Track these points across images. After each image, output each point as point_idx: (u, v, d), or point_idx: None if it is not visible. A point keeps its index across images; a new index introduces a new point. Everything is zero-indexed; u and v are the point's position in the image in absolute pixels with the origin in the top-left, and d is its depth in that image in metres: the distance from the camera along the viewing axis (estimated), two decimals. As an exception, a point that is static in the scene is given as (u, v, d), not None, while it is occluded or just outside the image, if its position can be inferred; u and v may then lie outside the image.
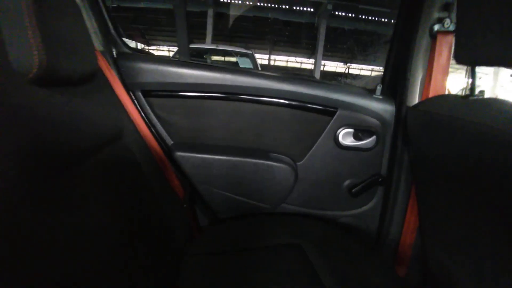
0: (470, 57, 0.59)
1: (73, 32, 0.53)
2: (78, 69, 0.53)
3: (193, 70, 0.89)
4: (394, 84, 0.95)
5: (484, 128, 0.53)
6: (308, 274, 0.68)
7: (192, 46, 4.50)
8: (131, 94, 0.88)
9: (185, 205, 0.88)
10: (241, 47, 5.35)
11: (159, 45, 16.77)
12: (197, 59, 4.13)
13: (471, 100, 0.65)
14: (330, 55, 15.56)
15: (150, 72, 0.88)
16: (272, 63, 17.90)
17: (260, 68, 4.69)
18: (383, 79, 1.00)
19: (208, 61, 4.58)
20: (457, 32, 0.64)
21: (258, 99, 0.92)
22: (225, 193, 0.96)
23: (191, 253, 0.77)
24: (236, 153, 0.94)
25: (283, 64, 19.02)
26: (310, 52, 15.56)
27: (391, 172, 0.96)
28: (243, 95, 0.92)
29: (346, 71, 17.22)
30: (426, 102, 0.81)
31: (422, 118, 0.75)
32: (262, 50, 16.55)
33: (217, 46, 4.69)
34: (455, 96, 0.76)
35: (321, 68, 13.15)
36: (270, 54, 16.78)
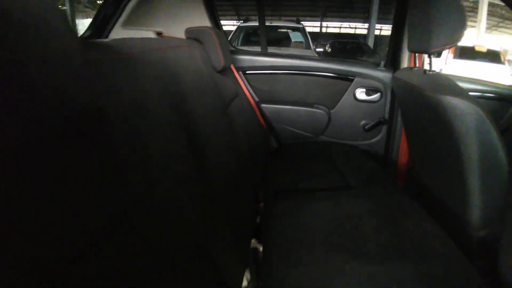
0: (414, 46, 1.12)
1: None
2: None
3: (269, 58, 1.59)
4: (393, 59, 1.52)
5: (421, 91, 0.95)
6: (337, 175, 1.30)
7: (247, 24, 5.07)
8: (239, 73, 1.61)
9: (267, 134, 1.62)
10: (293, 21, 5.79)
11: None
12: (253, 37, 4.76)
13: (426, 74, 1.06)
14: (386, 18, 14.74)
15: (246, 60, 1.60)
16: (324, 30, 17.55)
17: (310, 38, 5.10)
18: (387, 55, 1.56)
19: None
20: (408, 27, 1.13)
21: (307, 73, 1.59)
22: (288, 127, 1.67)
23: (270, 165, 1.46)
24: (295, 104, 1.63)
25: (336, 30, 18.50)
26: (364, 16, 14.90)
27: (391, 116, 1.55)
28: (298, 70, 1.59)
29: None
30: (401, 71, 1.37)
31: (398, 83, 1.31)
32: (314, 18, 16.29)
33: (271, 23, 5.21)
34: (419, 69, 1.30)
35: (377, 32, 12.62)
36: (321, 21, 16.47)
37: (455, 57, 6.53)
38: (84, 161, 0.37)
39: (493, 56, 6.48)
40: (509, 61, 6.79)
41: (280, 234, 0.89)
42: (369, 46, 9.63)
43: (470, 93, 1.00)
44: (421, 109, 1.03)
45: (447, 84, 0.95)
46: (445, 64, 6.38)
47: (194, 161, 0.66)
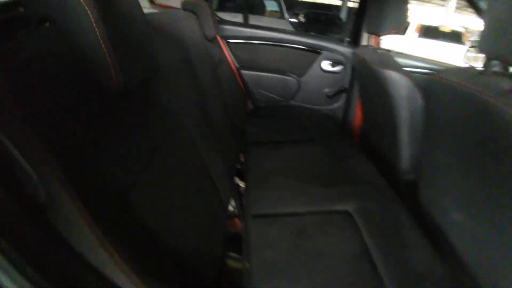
0: (369, 28, 1.41)
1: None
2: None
3: (250, 29, 1.79)
4: (355, 37, 1.78)
5: (370, 65, 1.33)
6: (302, 132, 1.59)
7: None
8: (223, 41, 1.80)
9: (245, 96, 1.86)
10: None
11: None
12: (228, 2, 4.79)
13: (379, 52, 1.44)
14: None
15: (230, 30, 1.79)
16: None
17: (285, 6, 5.20)
18: (351, 33, 1.82)
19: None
20: (367, 12, 1.41)
21: (282, 44, 1.82)
22: (263, 92, 1.92)
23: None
24: (270, 71, 1.87)
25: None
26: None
27: (350, 86, 1.84)
28: (275, 42, 1.81)
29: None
30: (359, 48, 1.64)
31: (356, 58, 1.59)
32: (289, -16, 15.91)
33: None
34: (374, 48, 1.58)
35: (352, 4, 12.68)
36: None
37: (420, 36, 6.94)
38: (136, 111, 0.60)
39: (455, 37, 6.76)
40: (471, 41, 7.02)
41: (256, 172, 1.18)
42: (341, 20, 9.79)
43: (407, 68, 1.30)
44: (370, 80, 1.32)
45: (389, 61, 1.24)
46: (409, 42, 6.79)
47: (200, 109, 0.91)
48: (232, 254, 0.99)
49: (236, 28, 1.79)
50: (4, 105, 0.36)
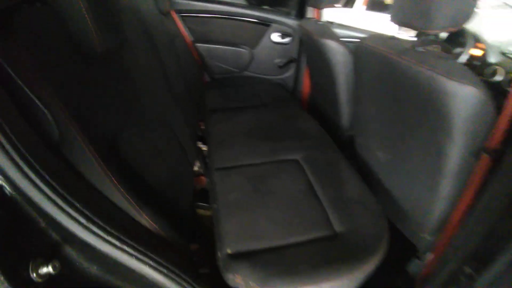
0: (311, 2, 1.58)
1: None
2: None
3: (203, 3, 1.85)
4: (300, 10, 1.93)
5: (312, 35, 1.52)
6: (256, 99, 1.76)
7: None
8: (177, 15, 1.84)
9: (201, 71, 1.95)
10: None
11: None
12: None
13: (319, 23, 1.63)
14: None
15: (184, 4, 1.83)
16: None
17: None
18: (297, 7, 1.97)
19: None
20: None
21: (234, 17, 1.91)
22: (218, 64, 2.02)
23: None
24: (224, 44, 1.97)
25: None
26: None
27: (299, 55, 2.01)
28: (228, 15, 1.90)
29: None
30: (304, 21, 1.80)
31: (302, 30, 1.75)
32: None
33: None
34: (316, 20, 1.75)
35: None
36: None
37: (367, 9, 7.32)
38: (113, 74, 0.71)
39: (398, 9, 7.40)
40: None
41: (216, 135, 1.32)
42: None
43: (345, 38, 1.50)
44: (314, 49, 1.50)
45: (328, 31, 1.42)
46: (356, 15, 7.14)
47: (163, 78, 1.02)
48: (201, 204, 1.15)
49: (190, 2, 1.84)
50: (23, 61, 0.49)
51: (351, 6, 7.28)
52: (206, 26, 1.93)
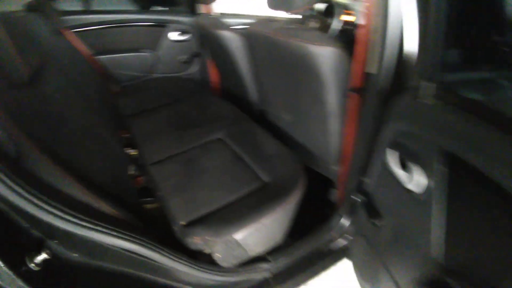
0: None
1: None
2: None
3: (94, 15, 1.84)
4: (192, 7, 2.06)
5: (208, 28, 1.68)
6: (170, 96, 1.86)
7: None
8: (72, 31, 1.78)
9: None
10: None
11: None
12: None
13: (211, 17, 1.79)
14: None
15: (76, 19, 1.79)
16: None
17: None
18: (188, 5, 2.08)
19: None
20: None
21: (129, 24, 1.94)
22: (123, 72, 2.04)
23: None
24: (125, 51, 1.99)
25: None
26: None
27: (201, 49, 2.15)
28: (122, 23, 1.92)
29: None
30: (199, 17, 1.93)
31: (198, 25, 1.88)
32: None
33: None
34: (208, 14, 1.90)
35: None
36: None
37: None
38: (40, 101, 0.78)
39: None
40: None
41: (142, 136, 1.41)
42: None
43: (236, 26, 1.69)
44: (212, 41, 1.66)
45: (219, 23, 1.60)
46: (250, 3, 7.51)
47: (80, 95, 1.08)
48: (145, 199, 1.23)
49: (81, 17, 1.81)
50: None
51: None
52: (103, 37, 1.91)
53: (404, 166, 0.71)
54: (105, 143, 1.11)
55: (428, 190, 0.64)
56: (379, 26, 0.80)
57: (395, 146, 0.74)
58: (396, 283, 0.81)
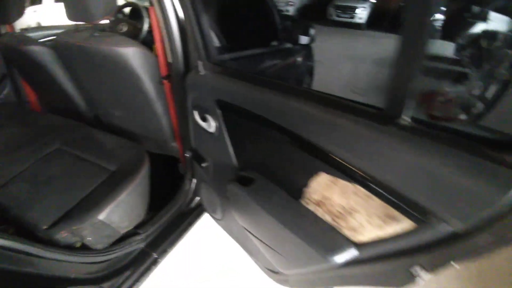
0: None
1: None
2: None
3: None
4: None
5: (16, 46, 1.57)
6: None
7: None
8: None
9: None
10: None
11: None
12: None
13: (15, 34, 1.66)
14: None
15: None
16: None
17: None
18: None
19: None
20: None
21: None
22: None
23: None
24: None
25: None
26: None
27: (9, 70, 1.95)
28: None
29: None
30: (3, 36, 1.76)
31: (2, 44, 1.72)
32: None
33: None
34: (13, 32, 1.72)
35: None
36: None
37: (56, 1, 6.90)
38: None
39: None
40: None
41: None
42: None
43: (44, 39, 1.67)
44: (19, 59, 1.59)
45: (25, 38, 1.55)
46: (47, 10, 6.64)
47: None
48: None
49: None
50: None
51: (40, 2, 6.68)
52: None
53: (204, 119, 1.05)
54: None
55: (218, 129, 1.01)
56: (163, 27, 1.09)
57: (195, 107, 1.07)
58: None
